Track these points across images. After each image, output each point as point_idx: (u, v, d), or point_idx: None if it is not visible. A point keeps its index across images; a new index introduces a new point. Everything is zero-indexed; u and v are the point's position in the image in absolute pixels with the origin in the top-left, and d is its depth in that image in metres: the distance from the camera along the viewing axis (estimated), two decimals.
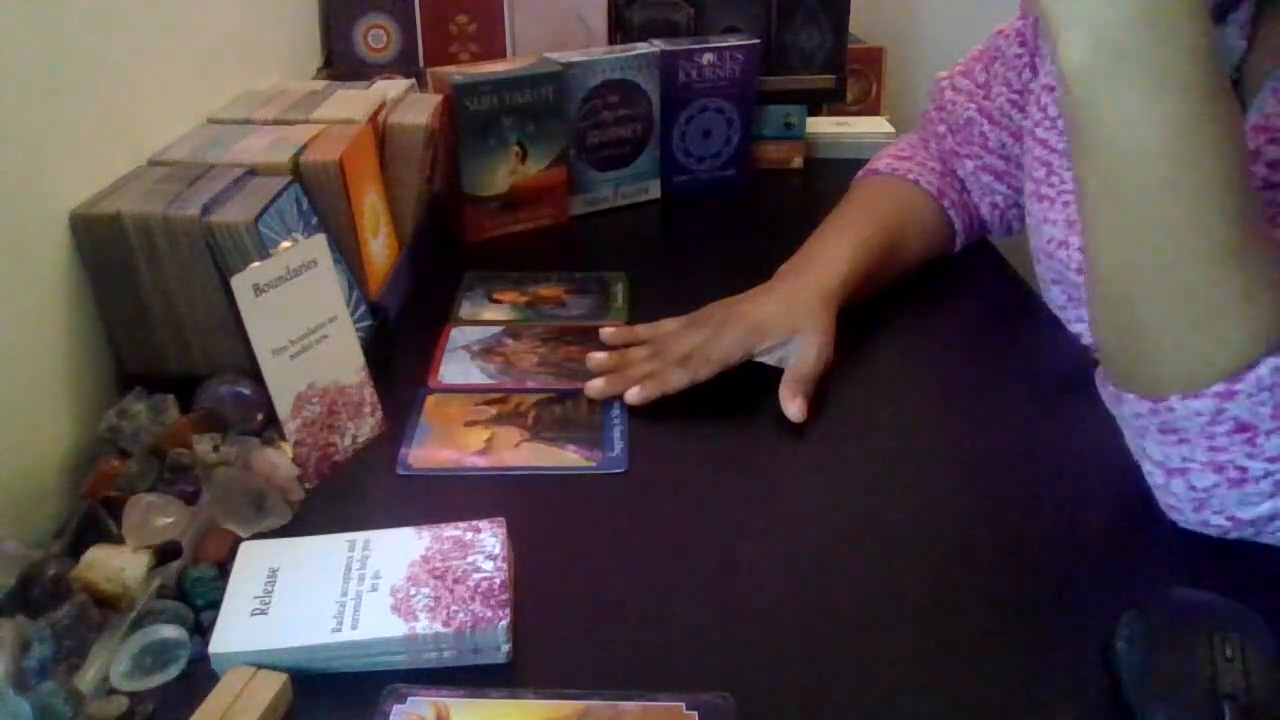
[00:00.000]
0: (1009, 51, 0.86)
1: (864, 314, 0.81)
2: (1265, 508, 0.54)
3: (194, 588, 0.54)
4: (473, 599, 0.51)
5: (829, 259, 0.80)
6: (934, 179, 0.90)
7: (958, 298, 0.90)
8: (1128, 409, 0.56)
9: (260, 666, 0.49)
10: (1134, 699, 0.47)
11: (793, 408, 0.69)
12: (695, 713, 0.47)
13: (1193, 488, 0.55)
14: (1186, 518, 0.57)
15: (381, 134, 0.85)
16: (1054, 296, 0.80)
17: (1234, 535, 0.56)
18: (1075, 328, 0.79)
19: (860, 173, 0.96)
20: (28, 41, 0.61)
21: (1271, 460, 0.52)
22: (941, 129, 0.93)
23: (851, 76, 1.29)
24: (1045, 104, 0.78)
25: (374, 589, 0.52)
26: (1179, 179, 0.49)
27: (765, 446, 0.68)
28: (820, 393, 0.72)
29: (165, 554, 0.54)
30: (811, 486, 0.65)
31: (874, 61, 1.38)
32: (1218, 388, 0.51)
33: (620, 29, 1.15)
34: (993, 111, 0.88)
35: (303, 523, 0.60)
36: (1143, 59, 0.47)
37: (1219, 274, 0.50)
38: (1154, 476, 0.58)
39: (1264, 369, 0.50)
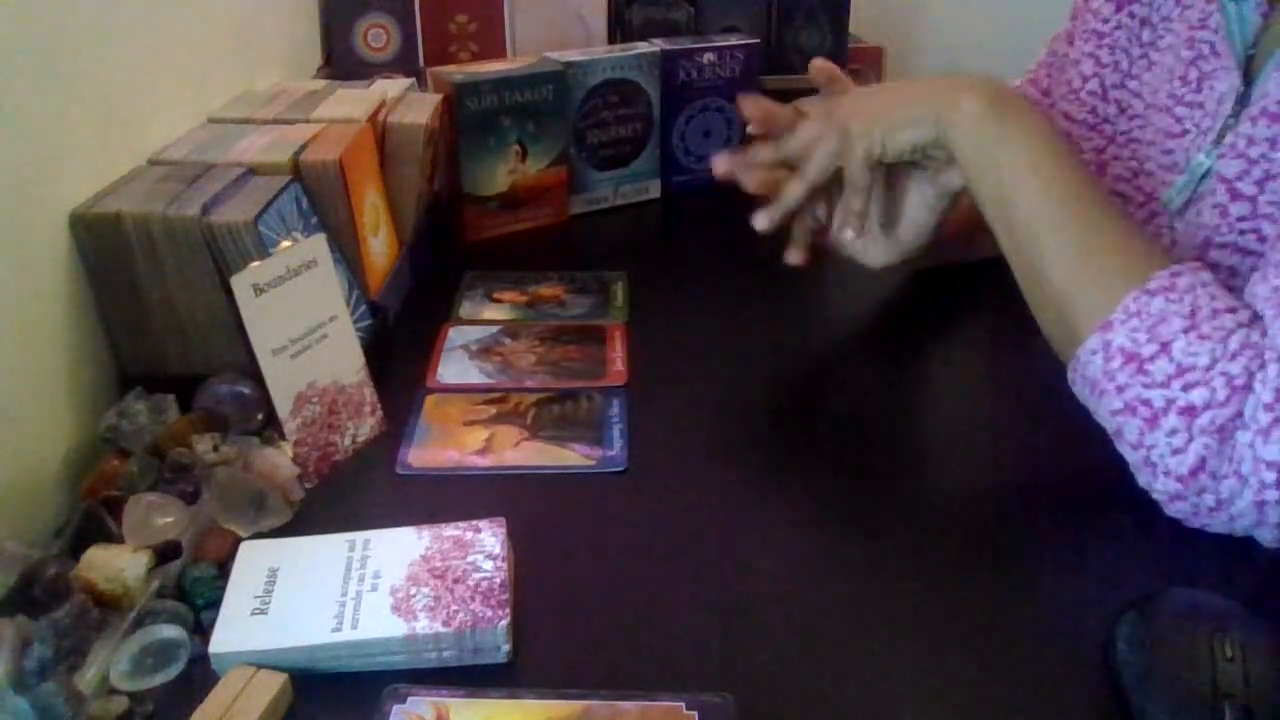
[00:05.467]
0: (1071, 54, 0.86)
1: (866, 314, 0.81)
2: (1192, 454, 0.54)
3: (194, 588, 0.54)
4: (473, 599, 0.51)
5: None
6: None
7: (961, 298, 0.89)
8: (1076, 388, 0.62)
9: (260, 666, 0.49)
10: (1134, 699, 0.47)
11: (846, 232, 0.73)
12: (695, 713, 0.47)
13: (1133, 446, 0.57)
14: (1154, 488, 0.57)
15: (381, 134, 0.85)
16: None
17: (1200, 523, 0.57)
18: None
19: None
20: (28, 41, 0.61)
21: (1165, 385, 0.54)
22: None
23: (851, 76, 1.28)
24: (1070, 77, 0.80)
25: (374, 589, 0.52)
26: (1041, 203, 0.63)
27: (765, 446, 0.68)
28: (820, 393, 0.72)
29: (165, 554, 0.54)
30: (811, 486, 0.65)
31: (874, 61, 1.38)
32: (1097, 326, 0.58)
33: (620, 29, 1.15)
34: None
35: (303, 523, 0.60)
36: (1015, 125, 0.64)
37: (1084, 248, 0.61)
38: (1128, 458, 0.59)
39: (1128, 299, 0.57)
